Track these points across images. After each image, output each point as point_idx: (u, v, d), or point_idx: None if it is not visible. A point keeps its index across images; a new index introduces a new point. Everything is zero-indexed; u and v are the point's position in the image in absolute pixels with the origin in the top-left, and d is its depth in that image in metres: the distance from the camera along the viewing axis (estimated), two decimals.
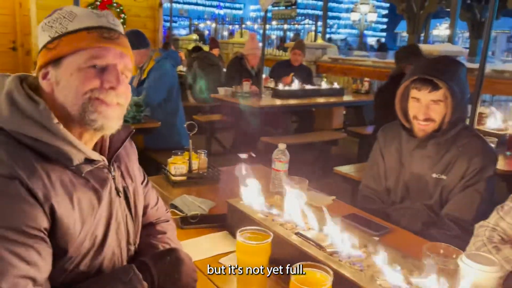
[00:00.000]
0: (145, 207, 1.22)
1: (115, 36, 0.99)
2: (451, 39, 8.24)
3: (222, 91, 4.98)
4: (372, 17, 17.00)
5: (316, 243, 1.20)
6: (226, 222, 1.52)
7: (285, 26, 12.26)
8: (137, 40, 3.29)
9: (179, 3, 30.00)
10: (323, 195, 1.89)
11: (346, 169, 3.41)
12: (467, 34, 15.04)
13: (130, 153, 1.18)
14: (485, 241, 1.32)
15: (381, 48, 14.97)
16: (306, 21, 11.48)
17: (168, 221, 1.29)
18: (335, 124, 5.71)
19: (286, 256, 1.21)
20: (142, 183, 1.21)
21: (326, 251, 1.18)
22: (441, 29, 21.25)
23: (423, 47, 4.13)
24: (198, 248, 1.40)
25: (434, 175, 1.74)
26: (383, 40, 23.99)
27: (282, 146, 1.83)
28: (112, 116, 0.98)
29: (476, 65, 4.86)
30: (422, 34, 12.04)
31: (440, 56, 1.78)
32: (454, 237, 1.61)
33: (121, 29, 1.04)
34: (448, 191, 1.72)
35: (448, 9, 11.65)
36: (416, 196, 1.80)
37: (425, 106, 1.68)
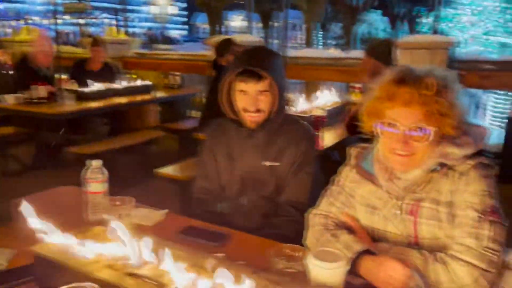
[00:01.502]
0: None
1: None
2: (248, 30, 8.80)
3: (11, 99, 4.19)
4: (172, 10, 17.04)
5: (157, 281, 1.01)
6: (36, 275, 1.18)
7: (81, 21, 11.25)
8: None
9: None
10: (153, 210, 1.68)
11: (169, 170, 3.24)
12: (260, 25, 16.40)
13: None
14: (322, 230, 1.34)
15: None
16: (105, 15, 10.73)
17: None
18: (151, 122, 5.46)
19: None
20: None
21: None
22: (237, 21, 22.72)
23: (231, 39, 4.22)
24: None
25: (267, 163, 1.75)
26: (184, 32, 24.38)
27: (96, 163, 1.54)
28: None
29: None
30: (222, 26, 12.59)
31: (258, 46, 1.79)
32: (295, 222, 1.64)
33: None
34: (282, 178, 1.74)
35: (243, 2, 12.42)
36: (252, 188, 1.77)
37: (253, 98, 1.68)
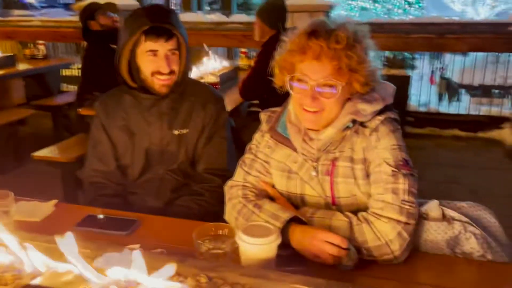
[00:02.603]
0: None
1: None
2: None
3: None
4: None
5: None
6: None
7: None
8: None
9: None
10: (39, 202, 1.42)
11: (47, 152, 2.87)
12: None
13: None
14: (242, 201, 1.26)
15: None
16: None
17: None
18: (15, 99, 4.76)
19: None
20: None
21: None
22: None
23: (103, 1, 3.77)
24: None
25: (175, 132, 1.59)
26: None
27: None
28: None
29: None
30: None
31: (156, 4, 1.58)
32: (217, 187, 1.56)
33: None
34: (193, 145, 1.62)
35: None
36: (160, 162, 1.61)
37: (164, 58, 1.50)
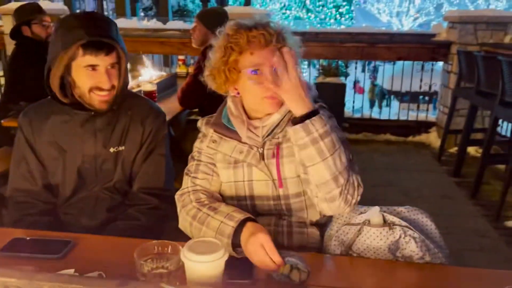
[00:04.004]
0: None
1: None
2: None
3: None
4: None
5: None
6: None
7: None
8: None
9: None
10: None
11: None
12: None
13: None
14: (196, 206, 1.26)
15: None
16: None
17: None
18: None
19: None
20: None
21: None
22: None
23: (38, 4, 3.50)
24: None
25: (111, 150, 1.50)
26: None
27: None
28: None
29: None
30: None
31: (92, 12, 1.48)
32: (154, 208, 1.50)
33: None
34: (129, 162, 1.53)
35: None
36: (94, 180, 1.51)
37: (105, 73, 1.40)
